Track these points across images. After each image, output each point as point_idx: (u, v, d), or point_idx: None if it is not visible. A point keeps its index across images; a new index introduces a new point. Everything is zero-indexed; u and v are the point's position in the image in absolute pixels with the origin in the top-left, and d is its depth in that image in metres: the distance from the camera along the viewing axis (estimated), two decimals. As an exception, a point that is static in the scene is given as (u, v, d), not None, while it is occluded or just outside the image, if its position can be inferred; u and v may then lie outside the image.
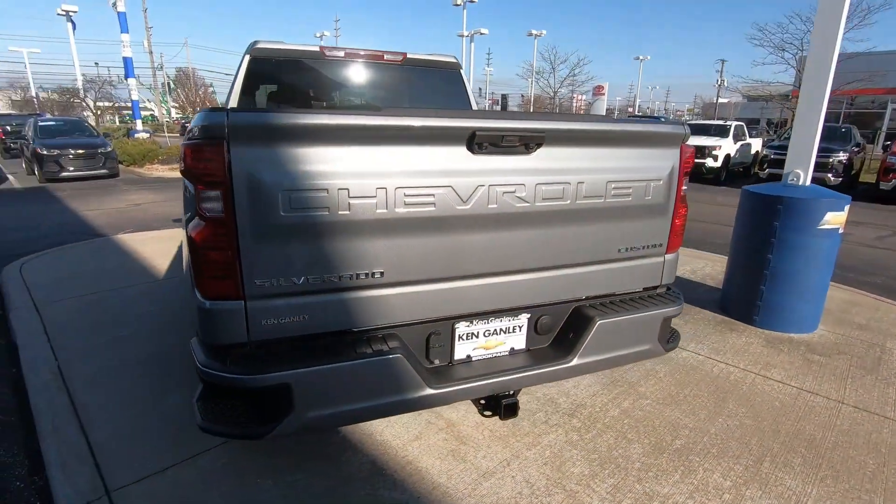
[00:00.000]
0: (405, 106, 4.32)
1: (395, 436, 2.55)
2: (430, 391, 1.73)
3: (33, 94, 38.92)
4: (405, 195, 1.59)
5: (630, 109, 79.37)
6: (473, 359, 1.96)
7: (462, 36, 32.02)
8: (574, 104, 67.58)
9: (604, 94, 41.14)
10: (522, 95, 53.18)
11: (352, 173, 1.52)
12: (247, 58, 3.36)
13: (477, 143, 1.66)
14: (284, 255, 1.51)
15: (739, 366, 3.37)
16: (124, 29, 19.38)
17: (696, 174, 14.69)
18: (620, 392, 3.02)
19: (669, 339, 2.32)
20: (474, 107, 4.04)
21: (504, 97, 54.37)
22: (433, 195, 1.63)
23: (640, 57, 52.48)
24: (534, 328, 2.04)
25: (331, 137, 1.49)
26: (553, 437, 2.57)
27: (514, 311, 1.98)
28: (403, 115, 1.55)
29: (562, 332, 2.10)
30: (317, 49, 3.46)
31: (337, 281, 1.60)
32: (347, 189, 1.52)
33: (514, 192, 1.74)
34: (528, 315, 2.01)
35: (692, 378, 3.20)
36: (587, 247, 1.97)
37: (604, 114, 36.88)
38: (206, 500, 2.09)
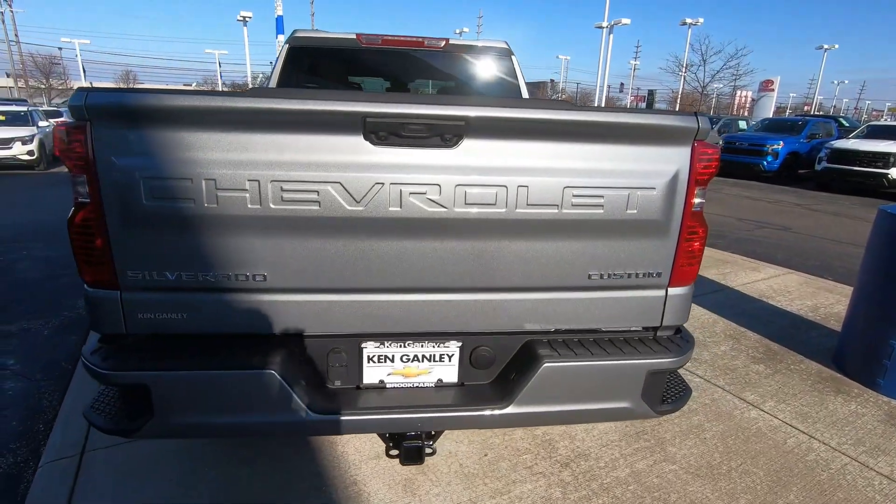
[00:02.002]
0: (446, 94, 4.05)
1: (356, 450, 2.37)
2: (309, 417, 1.50)
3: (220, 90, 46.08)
4: (282, 190, 1.38)
5: (807, 108, 67.77)
6: (388, 385, 1.68)
7: (601, 27, 30.13)
8: (736, 100, 59.77)
9: (773, 89, 35.58)
10: (673, 91, 48.56)
11: (220, 162, 1.35)
12: (286, 47, 3.40)
13: (371, 131, 1.37)
14: (154, 247, 1.41)
15: (831, 443, 2.54)
16: (280, 31, 21.78)
17: (872, 189, 11.88)
18: (642, 448, 2.45)
19: (667, 398, 1.77)
20: (525, 95, 3.62)
21: (651, 93, 50.13)
22: (316, 191, 1.39)
23: (825, 46, 44.28)
24: (468, 360, 1.68)
25: (195, 121, 1.33)
26: (529, 487, 2.16)
27: (439, 337, 1.65)
28: (274, 96, 1.33)
29: (507, 369, 1.71)
30: (353, 37, 3.37)
31: (213, 280, 1.45)
32: (214, 180, 1.35)
33: (424, 193, 1.42)
34: (460, 344, 1.66)
35: (751, 447, 2.48)
36: (539, 268, 1.56)
37: (770, 113, 31.69)
38: (148, 476, 2.12)
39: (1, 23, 44.49)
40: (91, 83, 53.41)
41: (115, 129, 1.32)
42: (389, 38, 3.38)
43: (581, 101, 67.42)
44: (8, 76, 46.84)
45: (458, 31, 51.43)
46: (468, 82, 3.74)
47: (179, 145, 1.34)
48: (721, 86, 39.94)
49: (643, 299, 1.67)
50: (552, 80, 72.33)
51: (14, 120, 14.20)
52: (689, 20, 36.24)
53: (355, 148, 1.39)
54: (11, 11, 45.90)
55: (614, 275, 1.60)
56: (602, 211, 1.51)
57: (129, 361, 1.45)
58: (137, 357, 1.47)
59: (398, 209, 1.42)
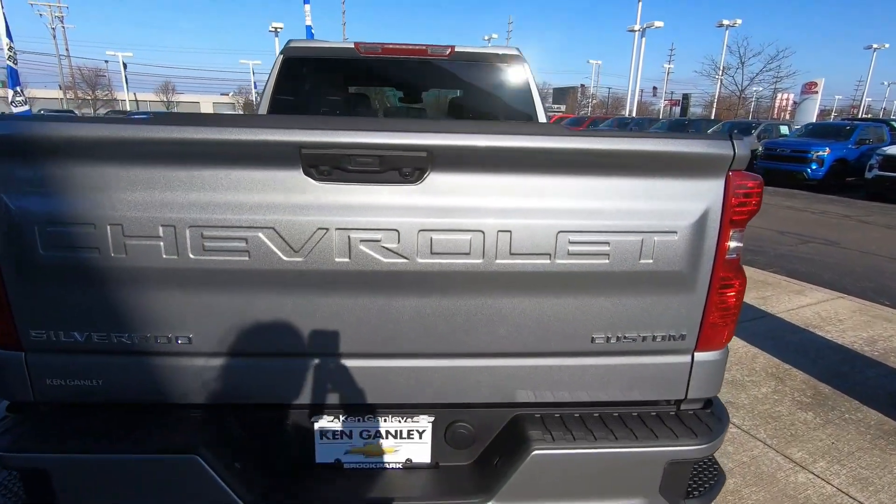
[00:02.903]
0: (448, 106, 3.77)
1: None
2: None
3: (253, 99, 47.43)
4: (203, 237, 1.12)
5: (854, 110, 64.42)
6: (346, 466, 1.39)
7: (633, 31, 29.36)
8: (776, 104, 57.34)
9: (817, 91, 33.82)
10: (709, 95, 46.92)
11: (127, 204, 1.11)
12: (280, 58, 3.20)
13: (311, 165, 1.10)
14: (59, 303, 1.17)
15: (898, 519, 2.12)
16: (309, 37, 22.03)
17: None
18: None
19: (693, 489, 1.42)
20: (539, 108, 3.31)
21: (686, 97, 48.58)
22: (245, 239, 1.12)
23: (874, 46, 41.95)
24: (444, 437, 1.38)
25: (95, 154, 1.09)
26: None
27: (408, 410, 1.35)
28: (184, 123, 1.07)
29: (490, 448, 1.40)
30: (351, 46, 3.13)
31: (129, 343, 1.21)
32: (121, 225, 1.11)
33: (378, 240, 1.14)
34: (432, 418, 1.36)
35: (798, 523, 2.09)
36: (528, 331, 1.25)
37: (813, 117, 29.91)
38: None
39: (53, 38, 46.98)
40: (135, 94, 55.84)
41: (4, 165, 1.10)
42: (390, 46, 3.13)
43: (612, 105, 66.12)
44: (60, 88, 49.40)
45: (486, 38, 51.34)
46: (475, 93, 3.46)
47: (79, 184, 1.10)
48: (761, 89, 38.37)
49: (663, 367, 1.33)
50: (582, 86, 71.27)
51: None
52: (726, 22, 35.00)
53: (293, 185, 1.12)
54: (63, 28, 48.43)
55: (625, 338, 1.28)
56: (608, 261, 1.19)
57: (26, 441, 1.21)
58: (37, 436, 1.23)
59: (347, 260, 1.14)
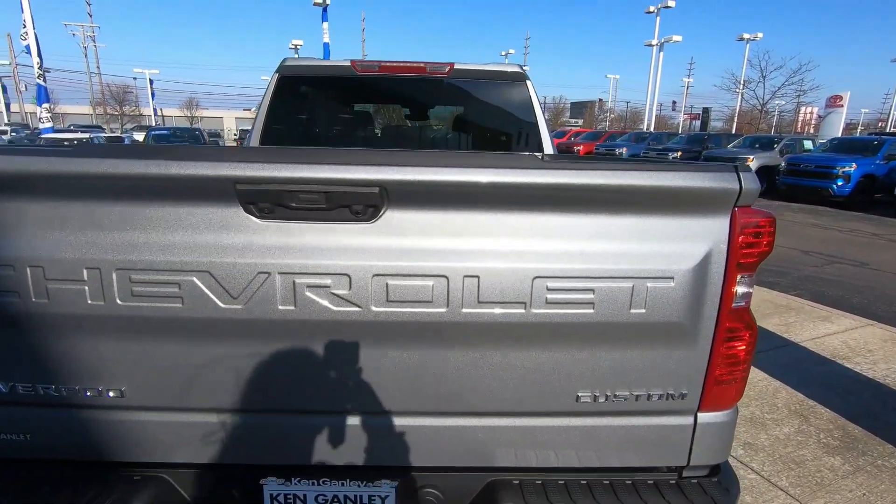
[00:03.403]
0: (447, 126, 3.66)
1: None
2: None
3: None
4: (132, 281, 1.00)
5: (881, 124, 62.70)
6: None
7: (651, 45, 29.17)
8: (800, 117, 56.14)
9: (842, 105, 32.97)
10: (729, 108, 46.19)
11: (48, 244, 0.99)
12: (275, 77, 3.13)
13: (248, 201, 0.98)
14: None
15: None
16: (326, 57, 22.38)
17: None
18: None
19: None
20: (543, 127, 3.16)
21: (706, 111, 47.88)
22: (178, 284, 1.00)
23: (902, 58, 40.90)
24: None
25: (14, 189, 0.99)
26: None
27: (368, 473, 1.20)
28: (113, 156, 0.95)
29: None
30: (347, 64, 3.05)
31: (56, 395, 1.09)
32: (42, 268, 0.99)
33: (327, 286, 1.00)
34: (395, 483, 1.20)
35: (825, 592, 1.85)
36: (502, 388, 1.10)
37: (839, 132, 29.01)
38: None
39: (84, 56, 48.85)
40: (161, 110, 57.54)
41: None
42: (387, 64, 3.04)
43: (630, 119, 65.71)
44: (90, 104, 51.18)
45: (503, 53, 51.68)
46: (476, 111, 3.35)
47: None
48: (783, 102, 37.59)
49: (660, 429, 1.16)
50: (600, 100, 71.02)
51: (76, 147, 15.07)
52: (746, 35, 34.56)
53: (230, 223, 1.00)
54: (95, 46, 50.30)
55: (615, 397, 1.12)
56: (592, 311, 1.03)
57: None
58: None
59: (292, 308, 1.01)
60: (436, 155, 1.01)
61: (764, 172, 14.90)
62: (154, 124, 41.01)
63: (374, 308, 1.01)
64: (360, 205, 0.98)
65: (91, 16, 48.44)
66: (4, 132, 26.92)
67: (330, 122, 3.49)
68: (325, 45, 22.81)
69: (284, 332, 1.03)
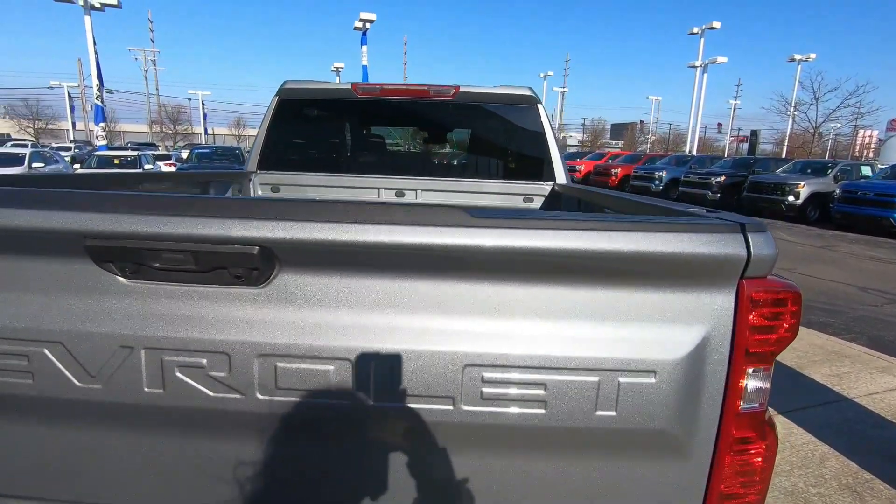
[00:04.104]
0: (452, 152, 3.46)
1: None
2: None
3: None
4: None
5: (950, 149, 58.50)
6: None
7: (694, 67, 28.36)
8: (857, 141, 53.12)
9: (904, 128, 30.89)
10: (779, 131, 44.18)
11: None
12: (275, 100, 3.04)
13: (103, 259, 0.79)
14: None
15: None
16: (364, 79, 22.90)
17: None
18: None
19: None
20: (554, 152, 2.93)
21: (754, 134, 45.97)
22: (27, 356, 0.82)
23: (974, 79, 38.06)
24: None
25: None
26: None
27: None
28: None
29: None
30: (348, 87, 2.92)
31: None
32: None
33: (202, 366, 0.80)
34: None
35: None
36: (427, 500, 0.85)
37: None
38: None
39: (144, 79, 52.19)
40: (212, 129, 60.68)
41: None
42: (389, 87, 2.89)
43: (673, 142, 64.03)
44: (148, 123, 54.49)
45: (542, 76, 51.70)
46: (483, 136, 3.15)
47: None
48: (839, 125, 35.60)
49: None
50: (641, 122, 69.67)
51: (125, 164, 15.83)
52: (798, 56, 33.17)
53: (88, 285, 0.81)
54: (155, 70, 53.68)
55: None
56: (544, 412, 0.79)
57: None
58: None
59: (160, 391, 0.81)
60: (335, 208, 0.79)
61: (817, 199, 14.03)
62: (203, 142, 43.15)
63: (259, 396, 0.80)
64: (240, 267, 0.77)
65: (153, 41, 51.76)
66: (69, 148, 28.80)
67: (329, 146, 3.37)
68: (364, 68, 23.37)
69: (153, 419, 0.83)
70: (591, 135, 68.84)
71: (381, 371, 0.79)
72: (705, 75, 28.35)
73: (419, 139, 3.54)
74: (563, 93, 60.05)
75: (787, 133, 37.68)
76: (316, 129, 3.30)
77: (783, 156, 30.68)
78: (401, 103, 3.00)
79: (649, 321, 0.79)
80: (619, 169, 22.23)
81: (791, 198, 14.20)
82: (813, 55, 32.83)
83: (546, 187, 3.06)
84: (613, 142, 72.65)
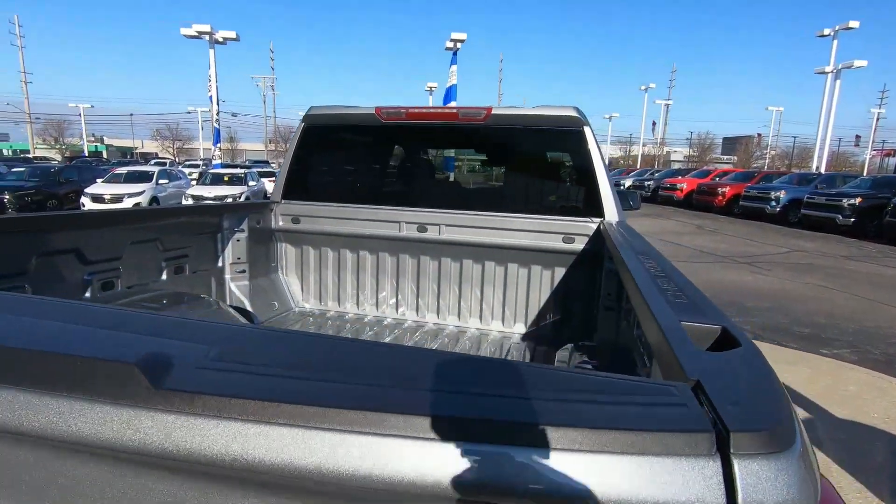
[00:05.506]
0: (482, 181, 3.05)
1: None
2: None
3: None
4: None
5: None
6: None
7: (823, 73, 24.96)
8: None
9: None
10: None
11: None
12: (301, 126, 2.89)
13: None
14: None
15: None
16: (450, 99, 23.05)
17: None
18: None
19: None
20: (603, 178, 2.42)
21: (905, 147, 39.33)
22: None
23: None
24: None
25: None
26: None
27: None
28: None
29: None
30: (371, 112, 2.68)
31: None
32: None
33: None
34: None
35: None
36: None
37: None
38: None
39: (263, 102, 57.98)
40: (318, 147, 65.86)
41: None
42: (415, 110, 2.61)
43: (798, 157, 57.14)
44: (264, 143, 60.37)
45: (643, 88, 48.97)
46: (519, 163, 2.74)
47: None
48: None
49: None
50: (759, 135, 63.05)
51: (234, 181, 17.31)
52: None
53: None
54: (273, 94, 59.50)
55: None
56: None
57: None
58: None
59: None
60: None
61: None
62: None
63: None
64: None
65: (273, 69, 57.35)
66: (197, 165, 32.61)
67: (352, 174, 3.17)
68: (453, 87, 23.61)
69: None
70: (697, 150, 63.72)
71: None
72: (838, 82, 24.80)
73: (447, 166, 3.23)
74: (666, 105, 56.36)
75: (949, 146, 31.76)
76: (339, 156, 3.14)
77: (943, 173, 25.81)
78: (427, 128, 2.71)
79: None
80: (728, 188, 19.99)
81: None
82: None
83: (591, 225, 2.58)
84: (725, 157, 66.65)
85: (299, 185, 2.96)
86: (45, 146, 58.63)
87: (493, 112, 2.55)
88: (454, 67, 23.74)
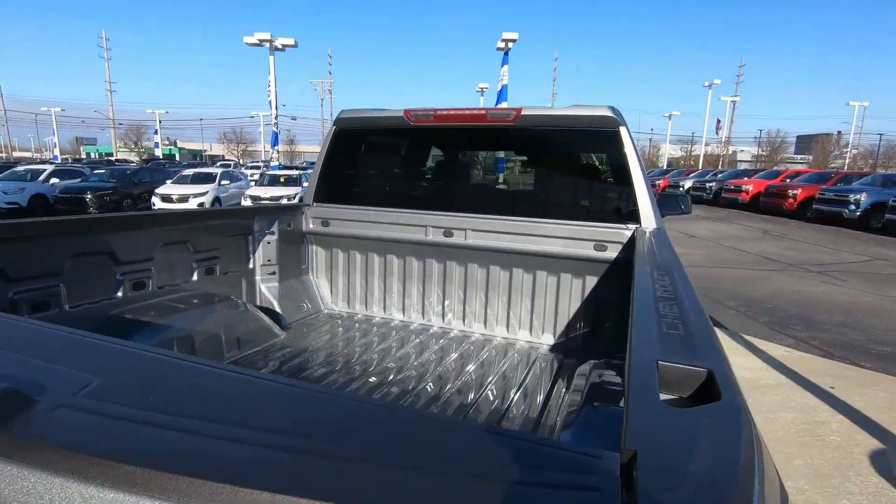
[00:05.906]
0: (512, 185, 2.91)
1: None
2: None
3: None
4: None
5: None
6: None
7: (916, 63, 22.55)
8: None
9: None
10: None
11: None
12: (332, 130, 2.90)
13: None
14: None
15: None
16: (501, 99, 22.80)
17: None
18: None
19: None
20: (640, 182, 2.24)
21: None
22: None
23: None
24: None
25: None
26: None
27: None
28: None
29: None
30: (401, 115, 2.63)
31: None
32: None
33: None
34: None
35: None
36: None
37: None
38: None
39: (321, 106, 60.21)
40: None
41: None
42: (444, 112, 2.55)
43: (885, 155, 52.26)
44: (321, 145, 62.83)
45: (706, 84, 46.45)
46: (551, 166, 2.60)
47: None
48: None
49: None
50: (839, 133, 58.17)
51: (289, 182, 17.99)
52: None
53: None
54: (331, 98, 61.62)
55: None
56: None
57: None
58: None
59: None
60: None
61: None
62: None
63: None
64: None
65: (331, 73, 59.30)
66: (258, 166, 34.25)
67: (381, 177, 3.15)
68: (504, 88, 23.38)
69: None
70: (768, 149, 59.64)
71: None
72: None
73: (474, 170, 3.14)
74: (733, 102, 53.10)
75: None
76: (369, 159, 3.13)
77: None
78: (456, 130, 2.64)
79: None
80: (800, 189, 18.50)
81: None
82: None
83: (626, 233, 2.40)
84: (798, 157, 62.05)
85: (330, 188, 2.98)
86: (125, 149, 63.70)
87: (523, 113, 2.44)
88: (505, 68, 23.51)
